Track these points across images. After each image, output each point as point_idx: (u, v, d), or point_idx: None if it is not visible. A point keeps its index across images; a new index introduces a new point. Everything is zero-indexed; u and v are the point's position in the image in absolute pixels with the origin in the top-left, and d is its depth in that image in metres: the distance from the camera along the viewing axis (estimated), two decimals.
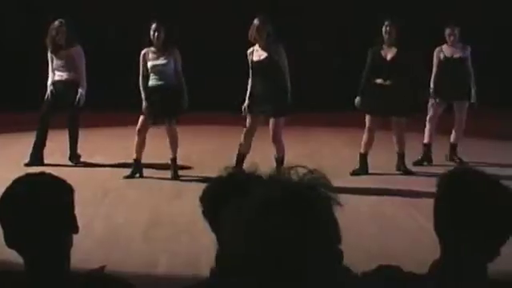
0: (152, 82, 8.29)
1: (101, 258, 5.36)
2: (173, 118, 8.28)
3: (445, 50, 9.07)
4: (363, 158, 8.53)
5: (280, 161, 7.88)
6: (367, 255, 5.40)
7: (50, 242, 1.97)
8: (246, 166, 2.27)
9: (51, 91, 8.93)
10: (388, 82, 8.33)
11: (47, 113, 8.93)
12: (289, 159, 7.79)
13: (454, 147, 9.19)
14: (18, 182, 2.00)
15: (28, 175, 2.04)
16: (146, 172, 8.49)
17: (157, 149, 8.71)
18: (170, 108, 8.24)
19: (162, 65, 8.25)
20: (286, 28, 9.88)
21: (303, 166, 1.23)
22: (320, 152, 9.85)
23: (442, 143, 9.23)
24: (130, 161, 8.49)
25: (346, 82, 12.93)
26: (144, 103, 8.29)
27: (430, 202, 1.97)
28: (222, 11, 13.31)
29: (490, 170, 2.10)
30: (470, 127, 9.26)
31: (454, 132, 9.17)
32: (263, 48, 7.89)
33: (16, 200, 1.96)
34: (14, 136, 10.82)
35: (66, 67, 8.92)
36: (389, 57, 8.40)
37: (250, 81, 8.05)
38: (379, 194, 7.68)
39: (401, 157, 8.59)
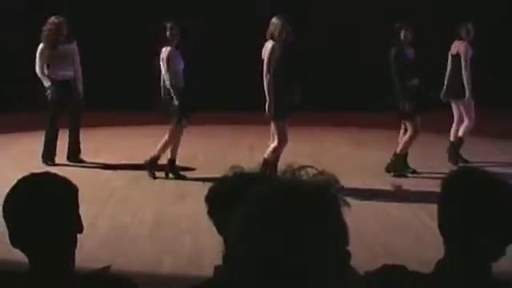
0: (180, 81, 8.24)
1: (105, 257, 5.38)
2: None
3: None
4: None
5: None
6: (371, 254, 5.41)
7: (55, 241, 1.97)
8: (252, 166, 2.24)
9: (55, 90, 8.79)
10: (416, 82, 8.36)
11: (55, 114, 8.86)
12: (291, 159, 7.76)
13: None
14: (22, 182, 2.01)
15: (32, 175, 2.04)
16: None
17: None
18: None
19: (180, 65, 8.25)
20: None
21: (312, 167, 1.22)
22: (321, 151, 9.86)
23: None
24: (134, 161, 8.48)
25: (350, 81, 13.07)
26: (181, 102, 8.18)
27: (435, 201, 1.97)
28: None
29: (494, 170, 2.09)
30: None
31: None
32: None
33: (21, 199, 1.97)
34: (13, 136, 10.83)
35: (64, 64, 8.83)
36: (412, 56, 8.42)
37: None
38: (384, 193, 7.68)
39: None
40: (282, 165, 7.38)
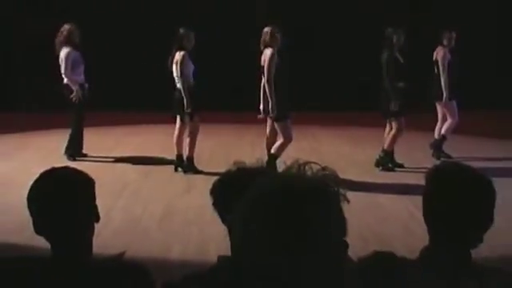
0: (191, 83, 8.22)
1: (119, 245, 5.39)
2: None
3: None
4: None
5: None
6: (364, 242, 5.43)
7: (74, 229, 2.00)
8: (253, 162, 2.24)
9: (85, 90, 8.84)
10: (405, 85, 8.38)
11: (82, 113, 8.86)
12: (291, 156, 7.77)
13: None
14: (45, 175, 2.03)
15: (53, 169, 2.06)
16: (160, 167, 8.56)
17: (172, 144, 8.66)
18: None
19: (191, 68, 8.23)
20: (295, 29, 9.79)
21: (316, 163, 1.22)
22: (320, 149, 9.86)
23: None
24: (146, 155, 8.45)
25: (347, 81, 12.99)
26: (192, 102, 8.18)
27: (421, 193, 1.99)
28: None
29: (474, 165, 2.11)
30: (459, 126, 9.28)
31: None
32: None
33: (43, 191, 1.99)
34: (32, 135, 10.85)
35: (82, 67, 8.89)
36: (403, 60, 8.41)
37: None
38: (376, 186, 7.70)
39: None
40: (280, 161, 7.42)
